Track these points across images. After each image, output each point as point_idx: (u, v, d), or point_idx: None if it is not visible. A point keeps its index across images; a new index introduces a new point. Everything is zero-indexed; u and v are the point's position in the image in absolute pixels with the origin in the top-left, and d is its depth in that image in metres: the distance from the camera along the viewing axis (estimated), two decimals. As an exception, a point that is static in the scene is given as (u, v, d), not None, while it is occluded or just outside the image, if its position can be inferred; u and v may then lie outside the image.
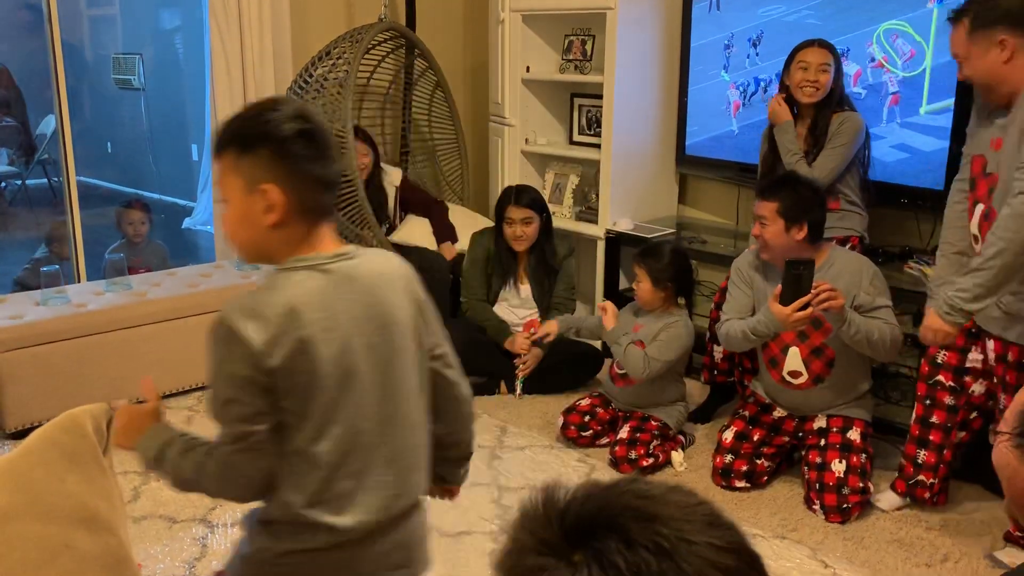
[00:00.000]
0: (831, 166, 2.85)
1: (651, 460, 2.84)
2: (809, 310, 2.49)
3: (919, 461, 2.56)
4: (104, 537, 1.13)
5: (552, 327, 3.20)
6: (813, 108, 2.91)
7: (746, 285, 2.79)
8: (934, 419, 2.52)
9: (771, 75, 3.40)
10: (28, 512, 1.07)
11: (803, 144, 2.93)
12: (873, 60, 3.11)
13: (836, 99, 2.90)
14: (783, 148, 2.94)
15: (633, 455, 2.81)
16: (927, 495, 2.57)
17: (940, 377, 2.50)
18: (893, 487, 2.65)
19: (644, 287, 2.94)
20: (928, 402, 2.53)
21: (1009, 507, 1.37)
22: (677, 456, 2.91)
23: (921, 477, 2.57)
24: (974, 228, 2.29)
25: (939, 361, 2.49)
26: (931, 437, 2.54)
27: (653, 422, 2.91)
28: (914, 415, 2.58)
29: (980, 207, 2.26)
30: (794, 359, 2.72)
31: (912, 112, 3.05)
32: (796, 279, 2.49)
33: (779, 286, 2.54)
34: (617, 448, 2.83)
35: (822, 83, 2.87)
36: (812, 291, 2.48)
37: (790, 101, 2.97)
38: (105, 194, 6.79)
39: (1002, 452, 1.33)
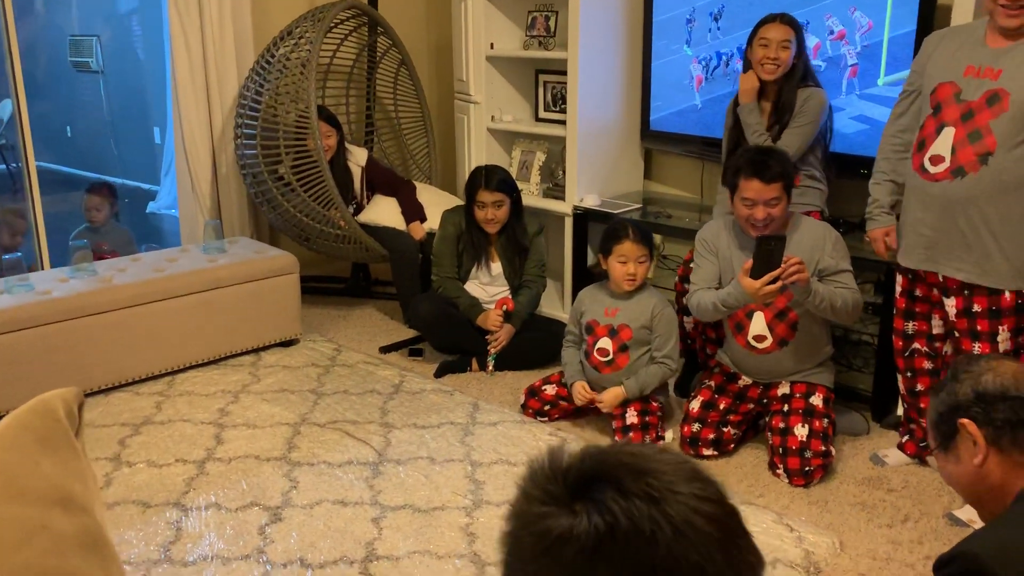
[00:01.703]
0: (796, 145, 2.88)
1: (661, 443, 2.88)
2: (778, 283, 2.56)
3: (924, 427, 2.68)
4: (80, 517, 1.15)
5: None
6: (777, 84, 2.93)
7: (711, 255, 2.85)
8: (919, 387, 2.64)
9: (732, 49, 3.43)
10: (3, 495, 1.10)
11: (767, 119, 2.95)
12: (832, 32, 3.15)
13: (800, 74, 2.92)
14: (748, 128, 2.96)
15: (647, 440, 2.83)
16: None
17: (916, 345, 2.61)
18: (902, 448, 2.77)
19: (647, 266, 2.95)
20: (910, 373, 2.65)
21: (980, 514, 1.46)
22: (669, 433, 2.98)
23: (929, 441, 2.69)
24: (940, 150, 2.38)
25: (910, 332, 2.61)
26: (922, 405, 2.65)
27: (655, 403, 2.93)
28: (902, 389, 2.70)
29: (950, 130, 2.36)
30: (759, 323, 2.78)
31: (871, 83, 3.09)
32: (768, 254, 2.55)
33: (749, 260, 2.59)
34: (632, 435, 2.83)
35: (783, 59, 2.88)
36: (782, 265, 2.54)
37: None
38: (66, 179, 6.69)
39: (941, 467, 1.47)
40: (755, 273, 2.57)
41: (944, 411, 1.42)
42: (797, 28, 2.91)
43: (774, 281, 2.55)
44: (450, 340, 3.55)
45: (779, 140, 2.91)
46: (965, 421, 1.38)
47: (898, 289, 2.63)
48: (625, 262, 2.93)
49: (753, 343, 2.80)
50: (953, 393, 1.41)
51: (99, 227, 4.12)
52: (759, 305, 2.75)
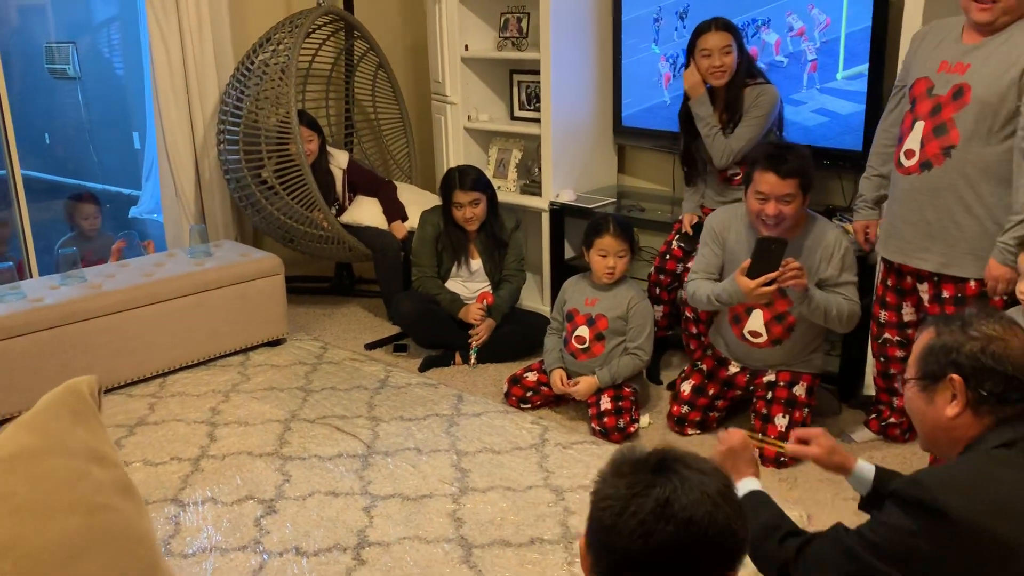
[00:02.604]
0: (748, 136, 2.98)
1: (635, 425, 2.99)
2: (774, 286, 2.59)
3: (894, 406, 2.82)
4: (113, 471, 1.40)
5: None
6: (724, 88, 3.01)
7: (718, 245, 2.87)
8: (892, 371, 2.77)
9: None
10: (51, 450, 1.34)
11: (720, 121, 3.04)
12: (793, 29, 3.28)
13: (744, 73, 3.00)
14: (700, 121, 3.04)
15: (621, 423, 2.94)
16: (897, 432, 2.86)
17: (887, 335, 2.73)
18: (867, 425, 2.91)
19: (626, 260, 3.05)
20: (882, 359, 2.77)
21: (923, 444, 1.56)
22: (644, 418, 3.09)
23: (893, 420, 2.84)
24: (912, 144, 2.47)
25: (882, 321, 2.72)
26: (896, 386, 2.78)
27: (627, 389, 3.04)
28: (873, 371, 2.83)
29: (921, 124, 2.45)
30: (756, 321, 2.83)
31: (830, 78, 3.22)
32: (767, 255, 2.58)
33: (748, 259, 2.62)
34: (606, 419, 2.94)
35: (728, 65, 2.95)
36: (780, 268, 2.57)
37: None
38: (47, 187, 6.71)
39: (911, 397, 1.51)
40: (752, 273, 2.59)
41: (939, 352, 1.42)
42: (734, 31, 2.98)
43: (771, 283, 2.58)
44: (433, 336, 3.65)
45: (732, 133, 3.00)
46: (956, 378, 1.39)
47: (879, 277, 2.74)
48: (605, 255, 3.04)
49: (748, 337, 2.86)
50: (957, 343, 1.40)
51: (92, 236, 4.17)
52: (761, 304, 2.80)
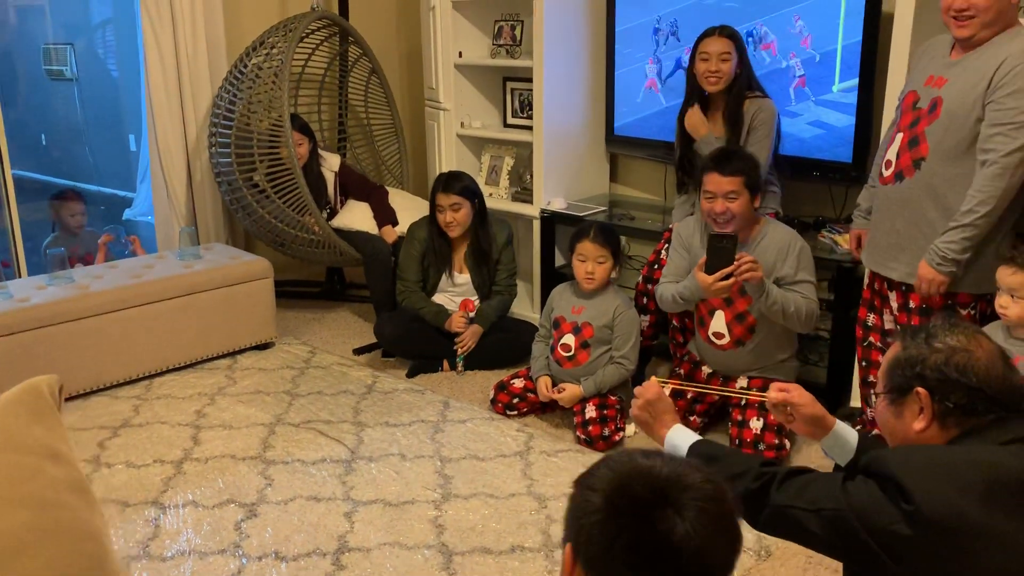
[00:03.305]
0: (760, 157, 2.95)
1: (620, 434, 2.99)
2: (731, 280, 2.66)
3: (870, 417, 2.79)
4: (67, 468, 1.42)
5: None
6: (723, 95, 3.02)
7: (684, 250, 2.94)
8: (871, 378, 2.75)
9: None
10: (5, 447, 1.36)
11: (720, 131, 3.03)
12: (770, 40, 3.28)
13: (744, 84, 3.00)
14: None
15: (607, 432, 2.94)
16: (881, 443, 2.81)
17: (871, 339, 2.73)
18: None
19: (607, 266, 3.05)
20: (864, 363, 2.77)
21: None
22: (630, 427, 3.08)
23: (877, 431, 2.78)
24: (890, 155, 2.49)
25: (869, 324, 2.72)
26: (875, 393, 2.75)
27: (612, 398, 3.04)
28: (857, 378, 2.82)
29: (901, 136, 2.46)
30: (718, 322, 2.89)
31: (825, 90, 3.22)
32: (720, 251, 2.66)
33: (704, 256, 2.70)
34: (591, 428, 2.94)
35: (724, 71, 2.97)
36: (735, 263, 2.64)
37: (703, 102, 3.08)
38: (41, 187, 6.71)
39: (880, 411, 1.51)
40: (709, 269, 2.68)
41: (905, 364, 1.42)
42: (737, 39, 2.99)
43: (727, 277, 2.66)
44: (420, 352, 3.62)
45: None
46: (922, 391, 1.38)
47: (866, 281, 2.75)
48: (584, 260, 3.04)
49: (712, 339, 2.92)
50: (922, 356, 1.39)
51: (78, 234, 4.17)
52: (721, 304, 2.85)
